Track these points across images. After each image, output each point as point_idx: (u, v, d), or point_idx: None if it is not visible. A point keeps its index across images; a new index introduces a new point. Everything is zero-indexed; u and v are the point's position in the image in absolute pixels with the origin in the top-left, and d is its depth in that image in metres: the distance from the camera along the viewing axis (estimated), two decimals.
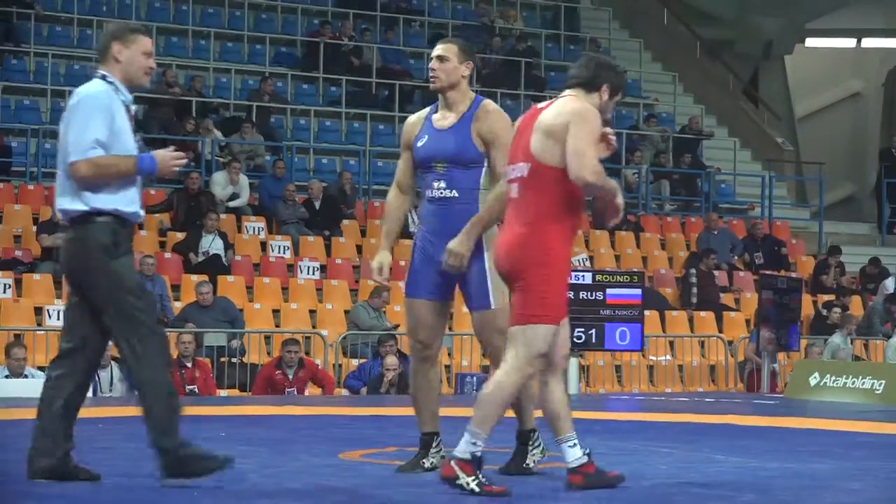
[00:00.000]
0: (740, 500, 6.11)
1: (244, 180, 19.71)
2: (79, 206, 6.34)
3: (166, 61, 22.24)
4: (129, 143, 6.31)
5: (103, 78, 6.33)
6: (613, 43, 27.15)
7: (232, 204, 19.49)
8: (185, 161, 6.53)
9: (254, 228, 19.24)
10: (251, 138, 20.93)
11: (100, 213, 6.31)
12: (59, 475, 6.25)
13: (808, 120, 33.92)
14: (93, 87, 6.27)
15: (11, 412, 10.80)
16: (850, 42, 33.91)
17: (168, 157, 6.35)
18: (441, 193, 6.90)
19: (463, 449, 5.99)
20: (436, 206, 6.94)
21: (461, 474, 5.95)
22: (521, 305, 6.05)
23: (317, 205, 19.68)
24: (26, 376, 13.73)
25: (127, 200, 6.33)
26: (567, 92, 6.45)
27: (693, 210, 23.66)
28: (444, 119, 6.99)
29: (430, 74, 6.99)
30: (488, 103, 7.01)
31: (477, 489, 5.93)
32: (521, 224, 6.09)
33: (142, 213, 6.47)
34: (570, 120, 6.17)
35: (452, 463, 5.99)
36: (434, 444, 6.99)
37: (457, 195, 6.86)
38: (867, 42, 33.81)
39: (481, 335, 6.96)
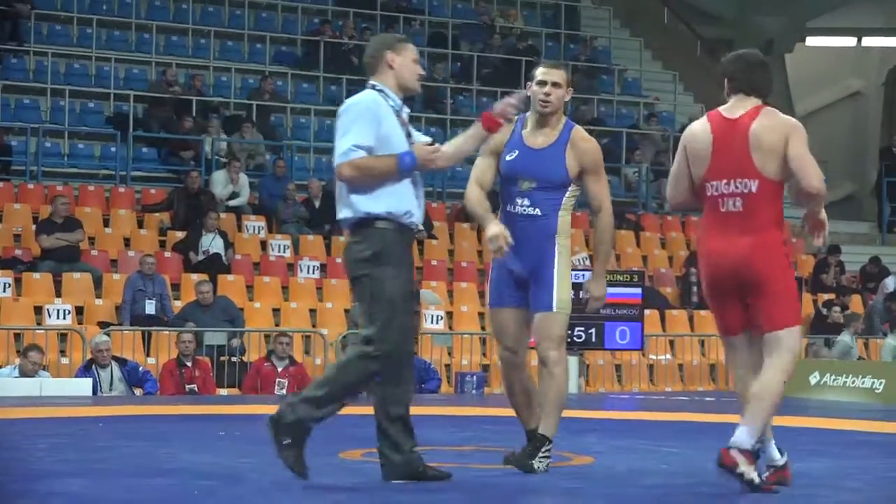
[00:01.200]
0: (740, 500, 6.11)
1: (244, 179, 19.72)
2: (349, 215, 6.44)
3: (166, 60, 22.24)
4: (399, 146, 6.50)
5: (373, 87, 6.75)
6: (614, 42, 27.15)
7: (232, 203, 19.49)
8: (437, 150, 6.61)
9: (254, 227, 19.24)
10: (251, 137, 20.93)
11: (375, 217, 6.39)
12: (409, 474, 6.36)
13: (809, 119, 33.88)
14: (360, 96, 6.64)
15: (16, 411, 10.81)
16: (850, 41, 33.90)
17: (426, 152, 6.46)
18: (525, 210, 7.07)
19: (744, 440, 6.13)
20: (518, 221, 7.09)
21: (745, 468, 6.09)
22: (780, 311, 6.35)
23: (316, 204, 19.68)
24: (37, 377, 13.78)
25: (398, 201, 6.40)
26: (752, 100, 6.55)
27: (693, 209, 23.62)
28: (535, 138, 7.09)
29: (542, 99, 7.03)
30: (581, 130, 7.14)
31: (757, 480, 6.14)
32: (753, 235, 6.47)
33: (418, 215, 6.51)
34: (789, 133, 6.53)
35: (733, 452, 6.10)
36: (544, 448, 6.97)
37: (539, 213, 7.06)
38: (867, 41, 33.80)
39: (537, 335, 7.35)
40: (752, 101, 6.45)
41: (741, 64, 6.48)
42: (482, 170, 7.18)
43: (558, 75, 7.05)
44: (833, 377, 15.13)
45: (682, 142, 6.56)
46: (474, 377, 16.15)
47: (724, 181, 6.45)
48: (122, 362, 14.54)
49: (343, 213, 6.46)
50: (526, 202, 7.04)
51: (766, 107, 6.48)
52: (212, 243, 17.95)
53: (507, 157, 7.07)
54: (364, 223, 6.35)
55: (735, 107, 6.43)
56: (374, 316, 6.29)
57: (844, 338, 18.04)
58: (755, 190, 6.52)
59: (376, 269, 6.30)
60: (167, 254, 17.91)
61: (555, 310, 7.22)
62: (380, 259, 6.31)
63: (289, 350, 14.98)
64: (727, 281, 6.37)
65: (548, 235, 7.08)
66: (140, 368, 14.70)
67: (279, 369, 14.88)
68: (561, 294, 7.26)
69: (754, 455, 6.14)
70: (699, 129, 6.47)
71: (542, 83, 7.03)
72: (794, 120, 6.52)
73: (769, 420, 6.39)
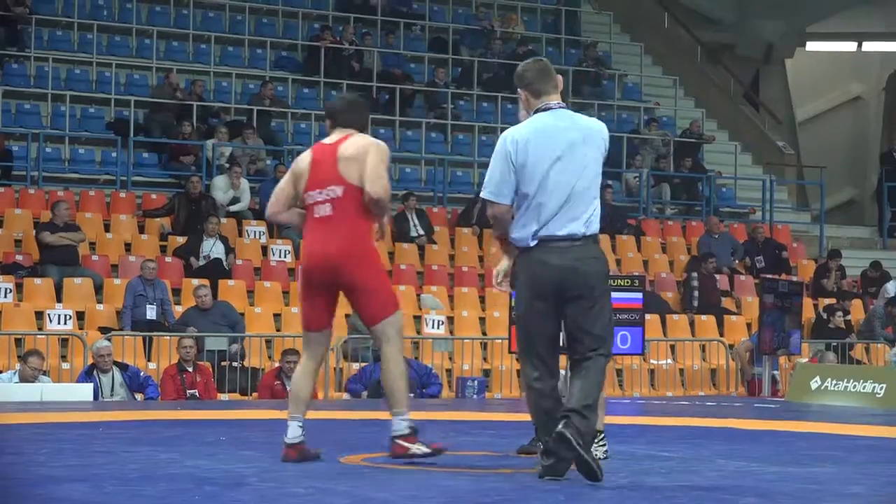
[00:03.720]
0: (741, 503, 6.11)
1: (245, 184, 19.72)
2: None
3: (167, 65, 22.26)
4: None
5: None
6: (614, 47, 27.16)
7: (233, 208, 19.50)
8: None
9: (255, 232, 19.25)
10: (252, 143, 20.94)
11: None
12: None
13: (809, 124, 33.93)
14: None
15: (17, 416, 10.81)
16: (850, 46, 33.93)
17: None
18: None
19: (401, 427, 7.18)
20: None
21: (411, 446, 7.17)
22: (376, 307, 7.26)
23: None
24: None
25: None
26: (347, 131, 7.47)
27: (694, 214, 23.66)
28: None
29: None
30: None
31: (427, 450, 7.18)
32: (343, 238, 7.24)
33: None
34: (369, 148, 7.31)
35: (399, 442, 7.14)
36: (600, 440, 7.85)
37: None
38: (868, 46, 33.83)
39: None
40: (347, 131, 7.42)
41: (340, 104, 7.58)
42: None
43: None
44: (834, 382, 15.12)
45: (291, 167, 7.55)
46: (475, 382, 16.15)
47: (318, 190, 7.29)
48: (123, 367, 14.54)
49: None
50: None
51: (359, 133, 7.43)
52: (213, 248, 17.95)
53: None
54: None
55: (333, 136, 7.42)
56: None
57: None
58: (341, 194, 7.25)
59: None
60: (168, 259, 17.92)
61: None
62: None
63: (296, 366, 14.92)
64: (322, 280, 7.23)
65: None
66: (141, 374, 14.69)
67: (289, 388, 14.83)
68: None
69: (414, 433, 7.18)
70: (305, 155, 7.47)
71: None
72: (377, 141, 7.39)
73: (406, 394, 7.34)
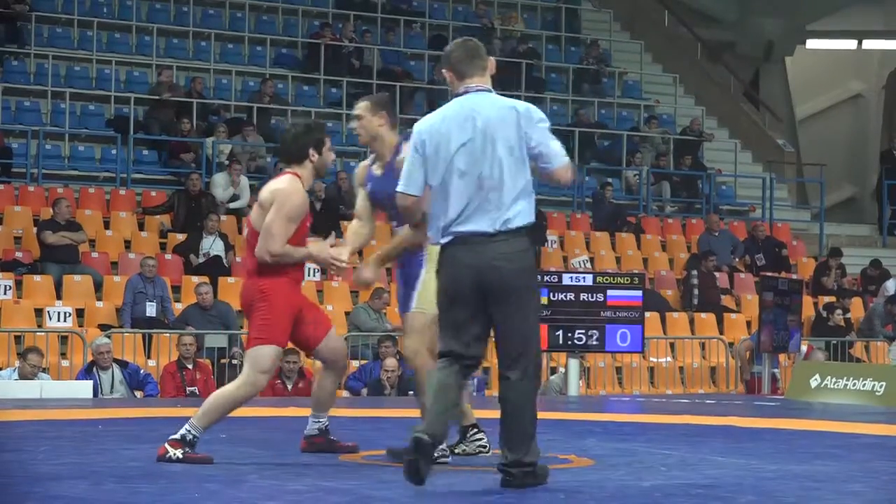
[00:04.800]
0: (741, 501, 6.11)
1: (245, 182, 19.72)
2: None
3: (167, 63, 22.24)
4: None
5: None
6: (614, 45, 27.15)
7: (233, 205, 19.50)
8: None
9: None
10: (252, 140, 20.94)
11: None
12: None
13: (809, 121, 33.92)
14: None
15: (16, 414, 10.81)
16: (850, 44, 33.92)
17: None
18: (397, 230, 7.63)
19: (180, 433, 7.12)
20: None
21: (171, 449, 7.06)
22: (251, 335, 7.27)
23: (318, 206, 19.67)
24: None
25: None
26: (284, 168, 7.47)
27: (694, 212, 23.66)
28: (376, 168, 7.68)
29: (356, 133, 7.70)
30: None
31: (181, 457, 7.05)
32: (249, 275, 7.37)
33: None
34: (274, 197, 7.25)
35: (166, 444, 7.09)
36: (469, 434, 7.69)
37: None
38: (868, 44, 33.82)
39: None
40: (283, 169, 7.44)
41: (281, 141, 7.61)
42: (359, 204, 7.77)
43: (361, 108, 7.59)
44: (833, 380, 15.11)
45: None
46: (475, 380, 16.13)
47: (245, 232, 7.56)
48: (122, 365, 14.54)
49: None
50: (394, 223, 7.62)
51: (285, 174, 7.34)
52: (212, 246, 17.95)
53: (367, 189, 7.68)
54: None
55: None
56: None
57: None
58: (247, 237, 7.42)
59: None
60: (168, 256, 17.91)
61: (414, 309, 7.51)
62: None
63: (296, 366, 14.93)
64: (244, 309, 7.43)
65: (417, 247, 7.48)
66: (141, 371, 14.69)
67: (289, 387, 14.86)
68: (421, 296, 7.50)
69: (184, 442, 7.10)
70: None
71: (352, 120, 7.56)
72: (284, 187, 7.23)
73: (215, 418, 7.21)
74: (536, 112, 6.36)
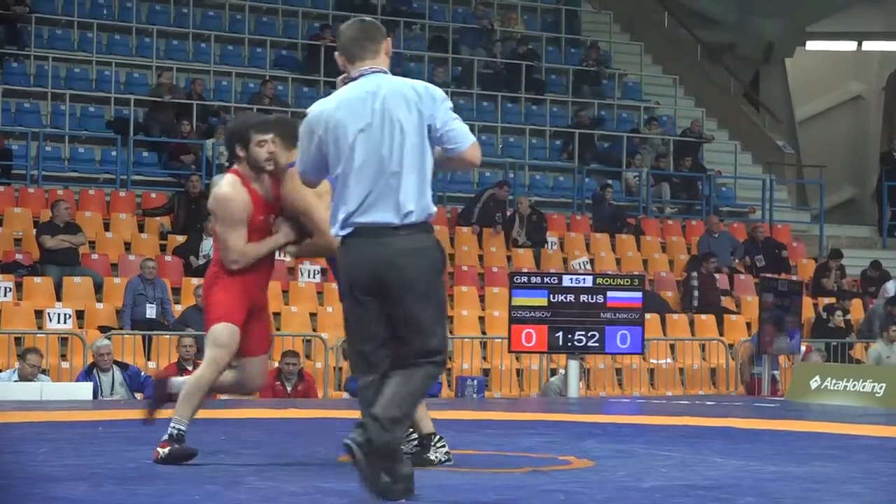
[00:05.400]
0: (740, 502, 6.11)
1: None
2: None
3: (167, 64, 22.25)
4: None
5: None
6: (614, 46, 27.16)
7: None
8: None
9: None
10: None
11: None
12: None
13: (809, 123, 33.93)
14: None
15: (16, 415, 10.80)
16: (850, 45, 33.93)
17: None
18: None
19: (167, 433, 7.09)
20: None
21: (161, 451, 7.07)
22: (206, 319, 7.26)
23: None
24: (33, 381, 13.76)
25: None
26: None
27: (694, 213, 23.66)
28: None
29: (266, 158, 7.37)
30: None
31: (167, 454, 7.03)
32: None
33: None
34: (214, 209, 7.27)
35: (157, 447, 7.09)
36: (433, 443, 7.27)
37: None
38: (868, 45, 33.83)
39: None
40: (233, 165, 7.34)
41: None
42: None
43: (272, 139, 7.36)
44: (833, 381, 15.10)
45: None
46: (475, 381, 16.15)
47: None
48: (123, 367, 14.54)
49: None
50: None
51: (228, 172, 7.29)
52: (212, 247, 17.93)
53: None
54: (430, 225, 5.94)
55: None
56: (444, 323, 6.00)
57: (879, 346, 17.95)
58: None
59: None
60: (168, 258, 17.92)
61: None
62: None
63: (296, 368, 14.92)
64: None
65: None
66: (142, 373, 14.70)
67: (289, 389, 14.85)
68: None
69: (171, 440, 7.11)
70: None
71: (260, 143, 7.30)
72: (218, 194, 7.20)
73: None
74: (438, 91, 5.90)
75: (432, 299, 5.78)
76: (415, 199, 5.73)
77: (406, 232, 5.70)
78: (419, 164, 5.76)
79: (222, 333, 7.14)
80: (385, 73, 5.92)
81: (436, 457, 7.26)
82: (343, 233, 5.78)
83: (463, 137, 5.86)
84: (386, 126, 5.75)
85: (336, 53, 6.06)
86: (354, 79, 5.91)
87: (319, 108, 5.90)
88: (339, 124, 5.80)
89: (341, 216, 5.79)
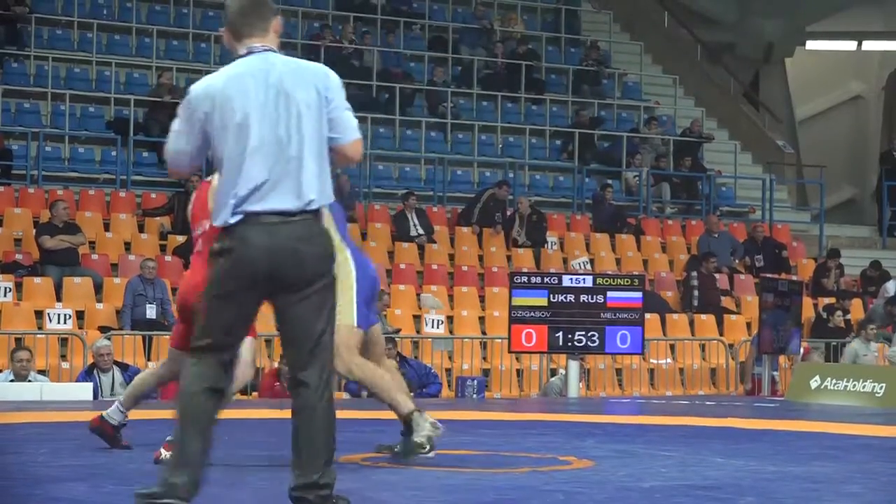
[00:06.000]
0: (740, 502, 6.12)
1: None
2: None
3: (167, 64, 22.24)
4: None
5: None
6: (614, 46, 27.15)
7: None
8: None
9: None
10: None
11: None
12: None
13: (809, 123, 33.93)
14: None
15: (14, 416, 10.80)
16: (850, 45, 33.93)
17: None
18: None
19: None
20: None
21: (164, 452, 6.97)
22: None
23: None
24: (30, 380, 13.73)
25: None
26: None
27: (694, 213, 23.66)
28: None
29: None
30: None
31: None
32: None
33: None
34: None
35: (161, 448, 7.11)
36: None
37: None
38: (868, 45, 33.83)
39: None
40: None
41: None
42: None
43: None
44: (833, 381, 15.11)
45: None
46: (475, 381, 16.14)
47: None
48: (123, 367, 14.53)
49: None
50: None
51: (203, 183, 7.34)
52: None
53: None
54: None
55: None
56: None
57: (854, 344, 17.98)
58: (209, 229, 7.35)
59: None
60: (168, 258, 17.91)
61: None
62: None
63: None
64: None
65: None
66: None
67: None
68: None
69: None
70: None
71: None
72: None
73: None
74: (334, 74, 5.59)
75: (328, 291, 5.29)
76: (317, 186, 5.29)
77: (301, 217, 5.25)
78: (319, 146, 5.34)
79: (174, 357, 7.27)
80: (276, 52, 5.48)
81: (420, 439, 7.31)
82: (232, 220, 5.21)
83: (350, 129, 5.49)
84: (282, 104, 5.31)
85: (221, 29, 5.62)
86: (243, 56, 5.40)
87: (205, 84, 5.35)
88: (229, 101, 5.28)
89: (230, 202, 5.22)
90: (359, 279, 7.55)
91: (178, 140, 5.36)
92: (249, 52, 5.40)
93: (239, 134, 5.26)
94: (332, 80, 5.51)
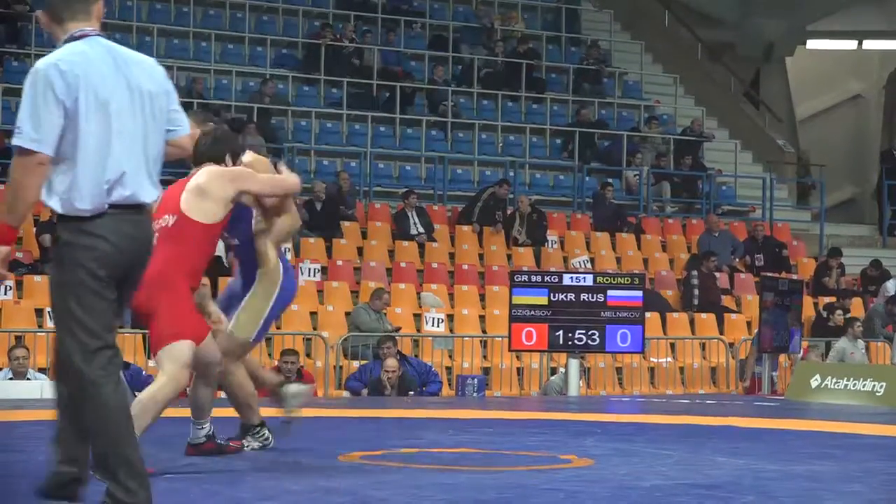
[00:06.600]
0: (741, 501, 6.12)
1: None
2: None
3: (167, 63, 22.24)
4: None
5: None
6: (615, 45, 27.16)
7: None
8: None
9: None
10: (252, 140, 20.92)
11: None
12: None
13: (809, 122, 33.93)
14: None
15: (14, 414, 10.80)
16: (850, 44, 33.91)
17: None
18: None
19: None
20: None
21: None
22: (156, 333, 6.80)
23: (318, 206, 19.69)
24: (28, 378, 13.72)
25: None
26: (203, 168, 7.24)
27: (694, 212, 23.66)
28: None
29: None
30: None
31: None
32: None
33: None
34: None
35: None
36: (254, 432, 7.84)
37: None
38: (868, 44, 33.82)
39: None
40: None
41: (198, 144, 6.99)
42: None
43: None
44: (834, 380, 15.12)
45: None
46: (475, 380, 16.15)
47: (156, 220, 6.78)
48: (125, 366, 14.53)
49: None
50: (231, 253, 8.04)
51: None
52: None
53: None
54: None
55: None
56: None
57: (841, 343, 18.00)
58: (172, 224, 7.07)
59: None
60: None
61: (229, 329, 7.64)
62: None
63: (294, 367, 14.89)
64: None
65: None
66: (143, 372, 14.69)
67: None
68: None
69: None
70: None
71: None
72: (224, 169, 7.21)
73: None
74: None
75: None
76: (156, 181, 5.17)
77: (147, 212, 5.14)
78: (161, 139, 5.21)
79: (186, 352, 6.76)
80: (105, 37, 5.20)
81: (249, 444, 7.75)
82: (100, 208, 4.95)
83: (186, 122, 5.39)
84: (136, 95, 5.12)
85: (39, 12, 5.29)
86: (74, 39, 5.07)
87: (61, 64, 4.95)
88: (91, 84, 4.98)
89: (96, 189, 4.95)
90: (279, 297, 7.75)
91: (30, 123, 4.92)
92: (84, 35, 5.10)
93: (103, 119, 5.00)
94: (166, 75, 5.33)
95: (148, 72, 5.20)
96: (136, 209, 5.03)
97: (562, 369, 16.16)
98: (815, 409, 13.77)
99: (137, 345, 15.68)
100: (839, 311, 19.69)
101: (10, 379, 13.72)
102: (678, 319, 19.39)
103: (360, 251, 19.47)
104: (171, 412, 7.14)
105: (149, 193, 5.08)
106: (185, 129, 5.36)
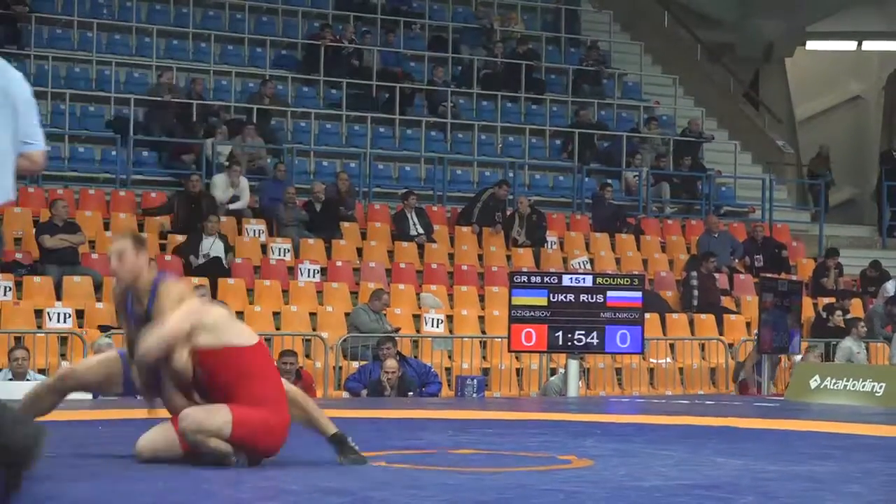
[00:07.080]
0: (740, 501, 6.12)
1: (245, 183, 19.73)
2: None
3: (167, 64, 22.25)
4: None
5: None
6: (614, 46, 27.16)
7: (232, 206, 19.50)
8: None
9: (254, 231, 19.25)
10: (252, 141, 20.94)
11: None
12: None
13: (809, 123, 33.93)
14: None
15: None
16: (850, 45, 33.93)
17: None
18: None
19: None
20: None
21: None
22: None
23: (318, 207, 19.70)
24: (28, 379, 13.72)
25: None
26: None
27: (693, 213, 23.67)
28: (136, 307, 7.39)
29: (113, 270, 7.28)
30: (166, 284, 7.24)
31: None
32: None
33: None
34: None
35: None
36: None
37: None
38: (868, 45, 33.83)
39: None
40: None
41: None
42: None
43: (123, 245, 7.19)
44: (833, 381, 15.11)
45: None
46: (475, 381, 16.14)
47: None
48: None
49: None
50: None
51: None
52: (212, 247, 17.95)
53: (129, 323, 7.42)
54: None
55: None
56: None
57: (846, 343, 18.00)
58: None
59: None
60: (167, 257, 17.91)
61: None
62: None
63: (294, 367, 14.88)
64: None
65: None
66: None
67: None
68: None
69: None
70: None
71: (111, 258, 7.23)
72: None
73: None
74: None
75: None
76: (12, 184, 5.11)
77: None
78: (16, 148, 5.15)
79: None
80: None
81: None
82: None
83: (42, 138, 5.36)
84: (1, 97, 5.12)
85: None
86: None
87: None
88: None
89: None
90: None
91: None
92: None
93: None
94: (27, 87, 5.27)
95: (13, 80, 5.20)
96: None
97: (561, 370, 16.15)
98: (814, 409, 13.76)
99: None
100: (838, 312, 19.70)
101: (10, 380, 13.71)
102: (677, 320, 19.39)
103: (359, 252, 19.48)
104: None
105: (3, 197, 4.94)
106: (41, 144, 5.24)
